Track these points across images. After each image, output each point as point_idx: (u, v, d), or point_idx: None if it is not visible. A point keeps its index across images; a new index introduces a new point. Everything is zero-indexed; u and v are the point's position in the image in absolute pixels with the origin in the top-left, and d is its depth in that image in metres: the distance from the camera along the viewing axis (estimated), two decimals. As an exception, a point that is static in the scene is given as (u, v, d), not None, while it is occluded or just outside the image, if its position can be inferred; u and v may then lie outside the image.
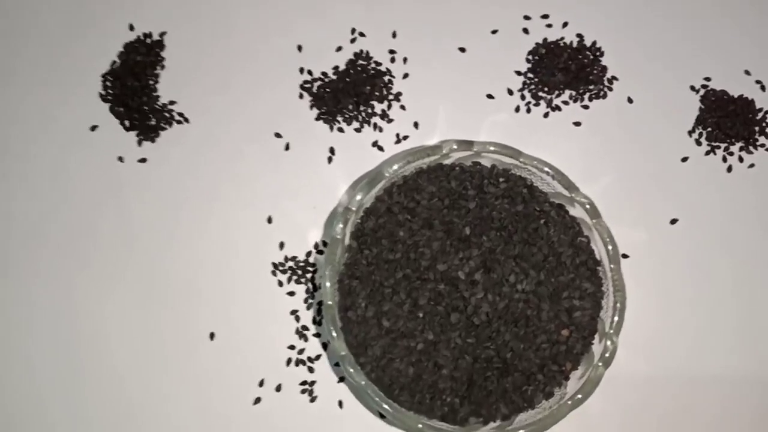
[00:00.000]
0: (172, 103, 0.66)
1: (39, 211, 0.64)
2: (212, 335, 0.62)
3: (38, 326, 0.62)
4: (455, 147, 0.56)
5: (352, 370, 0.52)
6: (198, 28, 0.68)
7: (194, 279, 0.63)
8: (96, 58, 0.67)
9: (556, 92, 0.67)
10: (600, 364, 0.53)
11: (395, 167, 0.55)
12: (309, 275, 0.63)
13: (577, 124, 0.67)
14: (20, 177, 0.64)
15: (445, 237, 0.55)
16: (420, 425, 0.51)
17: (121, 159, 0.65)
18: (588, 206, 0.55)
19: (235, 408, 0.60)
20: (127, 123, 0.66)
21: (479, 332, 0.54)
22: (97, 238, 0.63)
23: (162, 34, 0.68)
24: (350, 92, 0.65)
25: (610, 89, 0.67)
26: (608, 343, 0.53)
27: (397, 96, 0.67)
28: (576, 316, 0.54)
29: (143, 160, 0.65)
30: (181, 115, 0.66)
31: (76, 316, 0.62)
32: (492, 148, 0.56)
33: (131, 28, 0.68)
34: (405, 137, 0.66)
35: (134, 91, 0.65)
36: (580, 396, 0.52)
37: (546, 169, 0.56)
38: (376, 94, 0.66)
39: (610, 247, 0.55)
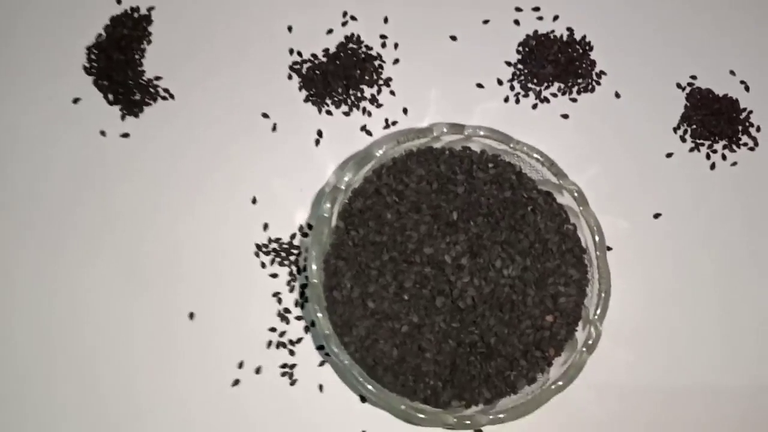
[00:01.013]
0: (157, 78, 0.65)
1: (17, 183, 0.62)
2: (192, 315, 0.60)
3: (16, 301, 0.60)
4: (446, 130, 0.56)
5: (336, 349, 0.51)
6: (187, 4, 0.67)
7: (175, 258, 0.61)
8: (81, 30, 0.66)
9: (545, 84, 0.67)
10: (583, 350, 0.53)
11: (385, 148, 0.55)
12: (293, 258, 0.62)
13: (565, 116, 0.67)
14: (-2, 147, 0.63)
15: (432, 221, 0.55)
16: (403, 406, 0.51)
17: (103, 133, 0.64)
18: (576, 193, 0.55)
19: (213, 389, 0.59)
20: (110, 97, 0.64)
21: (464, 316, 0.54)
22: (78, 212, 0.62)
23: (150, 9, 0.67)
24: (340, 75, 0.65)
25: (599, 83, 0.68)
26: (592, 330, 0.53)
27: (387, 81, 0.66)
28: (561, 302, 0.54)
29: (126, 135, 0.64)
30: (166, 91, 0.65)
31: (54, 293, 0.60)
32: (483, 133, 0.56)
33: (119, 1, 0.67)
34: (394, 122, 0.66)
35: (119, 65, 0.64)
36: (562, 382, 0.52)
37: (535, 155, 0.56)
38: (366, 78, 0.66)
39: (596, 236, 0.55)
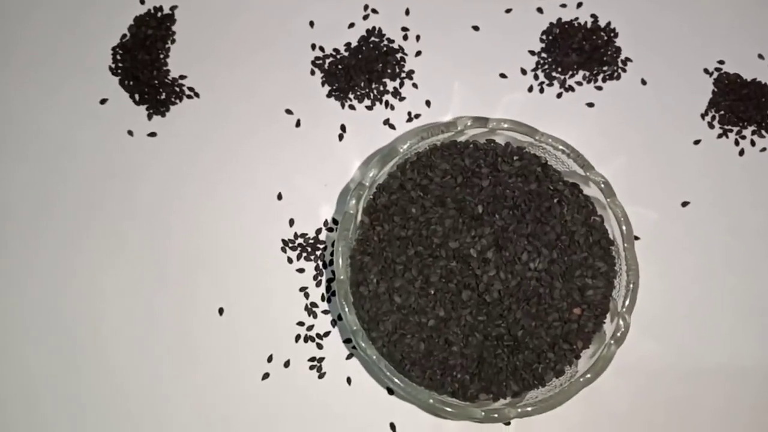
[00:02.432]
0: (182, 77, 0.66)
1: (47, 183, 0.64)
2: (221, 311, 0.61)
3: (44, 301, 0.61)
4: (470, 124, 0.55)
5: (363, 344, 0.52)
6: (209, 2, 0.67)
7: (203, 255, 0.62)
8: (106, 31, 0.66)
9: (570, 73, 0.66)
10: (612, 342, 0.53)
11: (409, 143, 0.55)
12: (318, 252, 0.63)
13: (591, 105, 0.66)
14: (28, 149, 0.64)
15: (457, 215, 0.55)
16: (431, 400, 0.51)
17: (130, 133, 0.65)
18: (603, 185, 0.55)
19: (243, 383, 0.60)
20: (137, 97, 0.65)
21: (490, 310, 0.54)
22: (106, 212, 0.63)
23: (173, 8, 0.67)
24: (362, 69, 0.65)
25: (624, 71, 0.67)
26: (620, 322, 0.53)
27: (410, 74, 0.66)
28: (588, 294, 0.54)
29: (153, 134, 0.65)
30: (191, 89, 0.65)
31: (85, 292, 0.62)
32: (507, 126, 0.55)
33: (142, 1, 0.67)
34: (417, 116, 0.66)
35: (144, 65, 0.65)
36: (590, 375, 0.52)
37: (561, 147, 0.55)
38: (388, 71, 0.66)
39: (624, 227, 0.54)
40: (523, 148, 0.57)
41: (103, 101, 0.65)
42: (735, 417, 0.61)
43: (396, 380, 0.51)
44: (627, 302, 0.53)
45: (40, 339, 0.61)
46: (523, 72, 0.67)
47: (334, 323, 0.62)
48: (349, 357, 0.61)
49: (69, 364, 0.60)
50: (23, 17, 0.67)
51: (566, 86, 0.66)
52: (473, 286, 0.54)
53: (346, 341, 0.61)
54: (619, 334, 0.53)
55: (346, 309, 0.52)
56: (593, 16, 0.68)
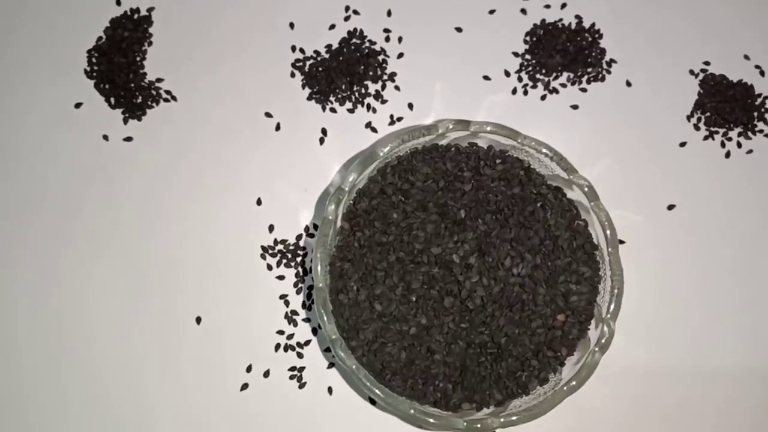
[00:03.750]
0: (159, 80, 0.64)
1: (21, 191, 0.62)
2: (198, 319, 0.60)
3: (20, 308, 0.60)
4: (451, 127, 0.54)
5: (342, 354, 0.50)
6: (187, 3, 0.66)
7: (181, 262, 0.61)
8: (81, 34, 0.65)
9: (554, 74, 0.65)
10: (596, 349, 0.52)
11: (389, 147, 0.54)
12: (299, 259, 0.61)
13: (575, 107, 0.65)
14: (1, 154, 0.62)
15: (439, 220, 0.54)
16: (412, 411, 0.50)
17: (105, 137, 0.63)
18: (587, 188, 0.54)
19: (221, 394, 0.59)
20: (112, 100, 0.64)
21: (473, 317, 0.52)
22: (81, 218, 0.62)
23: (150, 10, 0.66)
24: (343, 72, 0.64)
25: (609, 72, 0.66)
26: (605, 328, 0.52)
27: (392, 76, 0.65)
28: (572, 300, 0.53)
29: (129, 139, 0.63)
30: (168, 93, 0.64)
31: (59, 299, 0.60)
32: (489, 128, 0.54)
33: (118, 2, 0.66)
34: (399, 118, 0.64)
35: (120, 68, 0.64)
36: (575, 382, 0.51)
37: (544, 150, 0.54)
38: (370, 73, 0.64)
39: (608, 231, 0.53)
40: (506, 151, 0.56)
41: (77, 105, 0.64)
42: (722, 422, 0.60)
43: (376, 391, 0.50)
44: (612, 308, 0.52)
45: (14, 348, 0.59)
46: (507, 74, 0.66)
47: (315, 332, 0.60)
48: (330, 366, 0.60)
49: (43, 371, 0.59)
50: (-5, 19, 0.65)
51: (550, 88, 0.65)
52: (456, 292, 0.53)
53: (327, 350, 0.60)
54: (603, 341, 0.52)
55: (325, 318, 0.51)
56: (578, 17, 0.67)
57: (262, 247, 0.61)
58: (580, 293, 0.53)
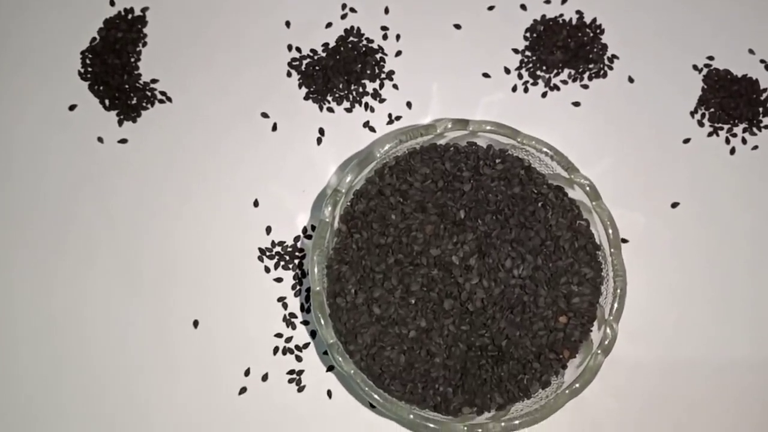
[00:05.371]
0: (154, 81, 0.64)
1: (15, 192, 0.61)
2: (196, 323, 0.59)
3: (15, 312, 0.59)
4: (450, 126, 0.53)
5: (340, 358, 0.50)
6: (181, 3, 0.65)
7: (177, 264, 0.60)
8: (75, 34, 0.64)
9: (555, 71, 0.64)
10: (599, 351, 0.51)
11: (387, 147, 0.53)
12: (297, 261, 0.61)
13: (576, 104, 0.64)
14: (-5, 158, 0.62)
15: (438, 220, 0.53)
16: (411, 416, 0.49)
17: (100, 139, 0.63)
18: (588, 188, 0.53)
19: (219, 398, 0.58)
20: (107, 102, 0.63)
21: (474, 319, 0.52)
22: (76, 221, 0.61)
23: (144, 10, 0.65)
24: (340, 70, 0.63)
25: (611, 68, 0.65)
26: (608, 330, 0.51)
27: (390, 74, 0.64)
28: (574, 302, 0.52)
29: (124, 141, 0.63)
30: (163, 93, 0.63)
31: (54, 303, 0.59)
32: (488, 128, 0.53)
33: (112, 3, 0.65)
34: (397, 117, 0.64)
35: (115, 69, 0.63)
36: (578, 385, 0.50)
37: (545, 149, 0.53)
38: (368, 72, 0.63)
39: (610, 231, 0.52)
40: (506, 150, 0.55)
41: (72, 107, 0.63)
42: (729, 426, 0.59)
43: (375, 395, 0.49)
44: (614, 309, 0.52)
45: (10, 353, 0.59)
46: (507, 71, 0.65)
47: (313, 334, 0.60)
48: (329, 369, 0.59)
49: (39, 376, 0.58)
50: (-12, 21, 0.64)
51: (551, 85, 0.64)
52: (456, 294, 0.52)
53: (326, 353, 0.59)
54: (606, 343, 0.51)
55: (322, 321, 0.50)
56: (578, 12, 0.66)
57: (260, 249, 0.61)
58: (582, 294, 0.52)
